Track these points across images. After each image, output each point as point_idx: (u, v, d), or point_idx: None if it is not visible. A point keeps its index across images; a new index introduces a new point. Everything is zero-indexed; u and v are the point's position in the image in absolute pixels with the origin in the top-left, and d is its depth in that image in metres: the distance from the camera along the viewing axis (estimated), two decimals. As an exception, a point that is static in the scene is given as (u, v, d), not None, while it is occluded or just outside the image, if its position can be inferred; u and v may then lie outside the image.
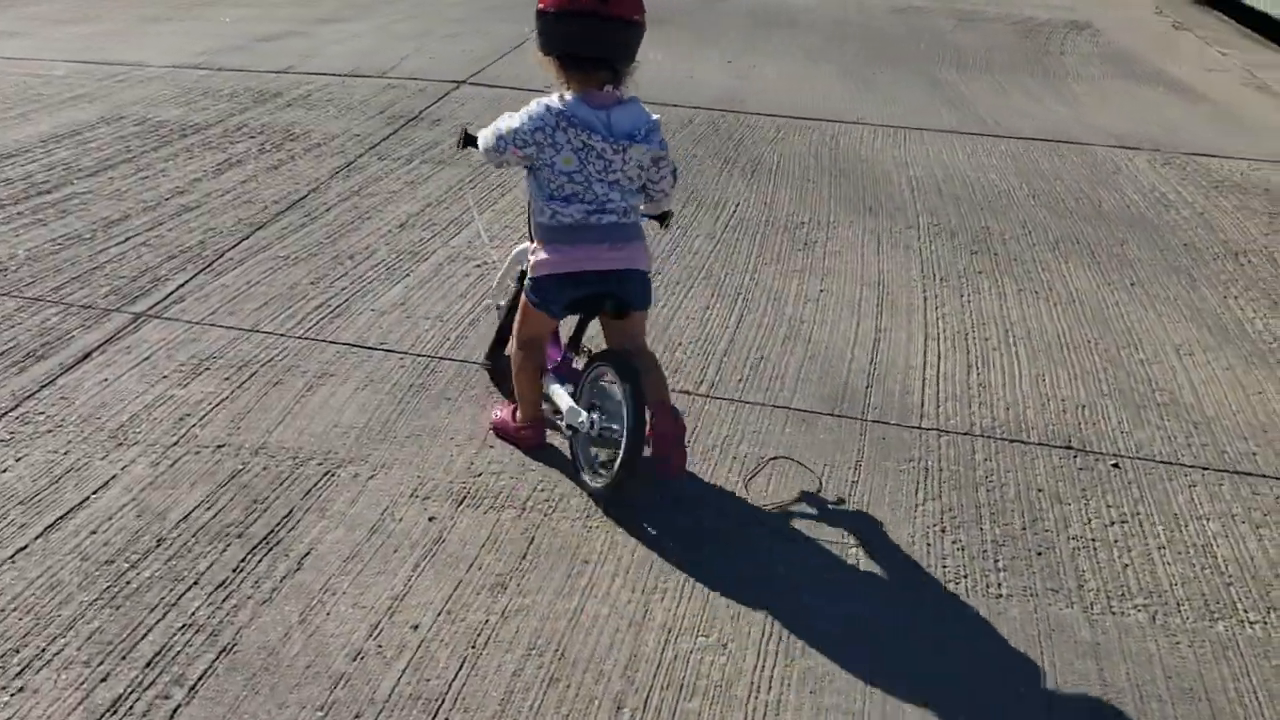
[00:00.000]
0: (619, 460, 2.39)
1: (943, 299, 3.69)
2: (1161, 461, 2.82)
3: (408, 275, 3.63)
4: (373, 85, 5.87)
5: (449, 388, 2.97)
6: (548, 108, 2.38)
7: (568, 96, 2.39)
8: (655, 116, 2.47)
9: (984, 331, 3.47)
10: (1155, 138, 5.62)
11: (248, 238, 3.87)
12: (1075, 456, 2.82)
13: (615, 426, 2.43)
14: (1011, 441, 2.87)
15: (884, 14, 8.64)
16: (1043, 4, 9.38)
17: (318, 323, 3.28)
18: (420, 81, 5.98)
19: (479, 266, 3.73)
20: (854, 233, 4.23)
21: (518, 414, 2.72)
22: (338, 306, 3.39)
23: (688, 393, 3.01)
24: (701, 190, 4.61)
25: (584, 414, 2.51)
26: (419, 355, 3.13)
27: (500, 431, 2.75)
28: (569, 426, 2.55)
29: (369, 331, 3.24)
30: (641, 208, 2.57)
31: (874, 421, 2.93)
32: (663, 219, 2.70)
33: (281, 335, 3.19)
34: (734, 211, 4.39)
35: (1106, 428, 2.97)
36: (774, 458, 2.74)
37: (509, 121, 2.42)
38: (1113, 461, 2.81)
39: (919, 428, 2.91)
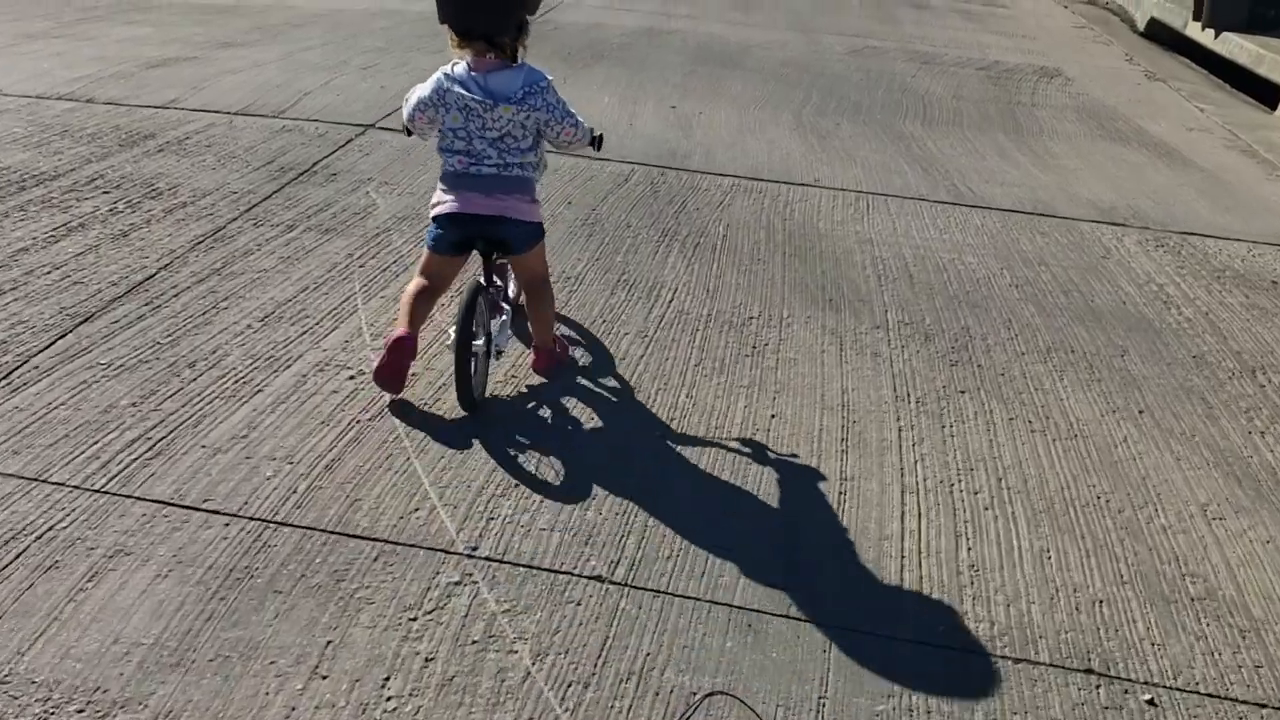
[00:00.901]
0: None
1: (920, 431, 3.04)
2: (1208, 694, 2.18)
3: (260, 391, 2.91)
4: (265, 127, 5.12)
5: (282, 573, 2.25)
6: (442, 73, 2.80)
7: (459, 64, 2.79)
8: (545, 79, 2.82)
9: (972, 481, 2.82)
10: (1144, 212, 5.05)
11: (66, 335, 3.12)
12: (1098, 686, 2.17)
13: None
14: (1017, 662, 2.21)
15: (839, 55, 8.04)
16: (1008, 47, 8.85)
17: (127, 467, 2.54)
18: (321, 124, 5.25)
19: (353, 378, 3.01)
20: (812, 333, 3.57)
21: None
22: (159, 441, 2.65)
23: (599, 579, 2.32)
24: (635, 271, 3.94)
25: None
26: (251, 519, 2.41)
27: (377, 376, 2.84)
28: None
29: (192, 481, 2.51)
30: (564, 149, 2.98)
31: (841, 629, 2.25)
32: (594, 145, 3.02)
33: (74, 488, 2.45)
34: (671, 301, 3.72)
35: (1133, 636, 2.32)
36: (710, 694, 2.05)
37: (419, 91, 2.84)
38: (1147, 697, 2.16)
39: (899, 638, 2.24)
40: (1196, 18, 8.99)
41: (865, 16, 9.79)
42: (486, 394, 2.98)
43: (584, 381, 3.13)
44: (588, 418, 2.95)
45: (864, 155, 5.63)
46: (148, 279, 3.50)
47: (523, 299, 3.12)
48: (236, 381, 2.95)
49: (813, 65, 7.62)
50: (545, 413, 2.96)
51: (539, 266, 3.00)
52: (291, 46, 6.83)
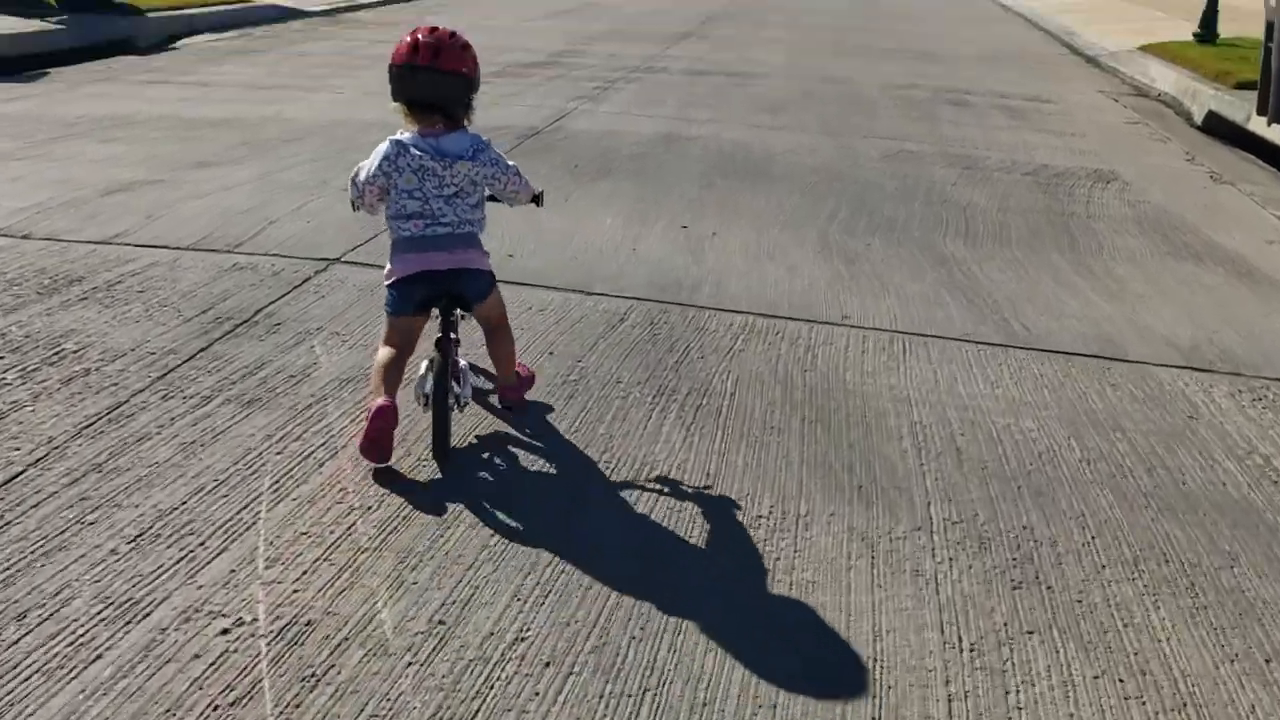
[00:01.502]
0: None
1: (976, 696, 2.27)
2: None
3: (97, 657, 2.21)
4: (214, 265, 4.52)
5: None
6: (391, 141, 3.06)
7: (405, 133, 3.07)
8: (484, 138, 3.13)
9: (1050, 790, 2.05)
10: (1232, 352, 4.28)
11: (-128, 571, 2.45)
12: None
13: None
14: None
15: (874, 161, 7.39)
16: (1056, 147, 8.17)
17: None
18: (278, 259, 4.64)
19: (226, 633, 2.31)
20: (835, 539, 2.83)
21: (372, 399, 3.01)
22: (-68, 753, 1.96)
23: None
24: (618, 445, 3.24)
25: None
26: None
27: (362, 448, 2.94)
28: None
29: (-46, 827, 1.81)
30: (510, 203, 3.32)
31: None
32: (535, 201, 3.36)
33: None
34: (660, 491, 3.00)
35: None
36: None
37: (366, 164, 3.09)
38: None
39: None
40: (1261, 111, 8.27)
41: (900, 116, 9.18)
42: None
43: (529, 629, 2.40)
44: (524, 675, 2.22)
45: (899, 283, 4.93)
46: (8, 482, 2.84)
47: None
48: (70, 644, 2.25)
49: (843, 173, 6.97)
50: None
51: (498, 309, 3.28)
52: (273, 164, 6.29)
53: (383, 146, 3.08)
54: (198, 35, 12.40)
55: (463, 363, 3.21)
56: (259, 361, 3.63)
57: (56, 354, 3.59)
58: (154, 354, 3.63)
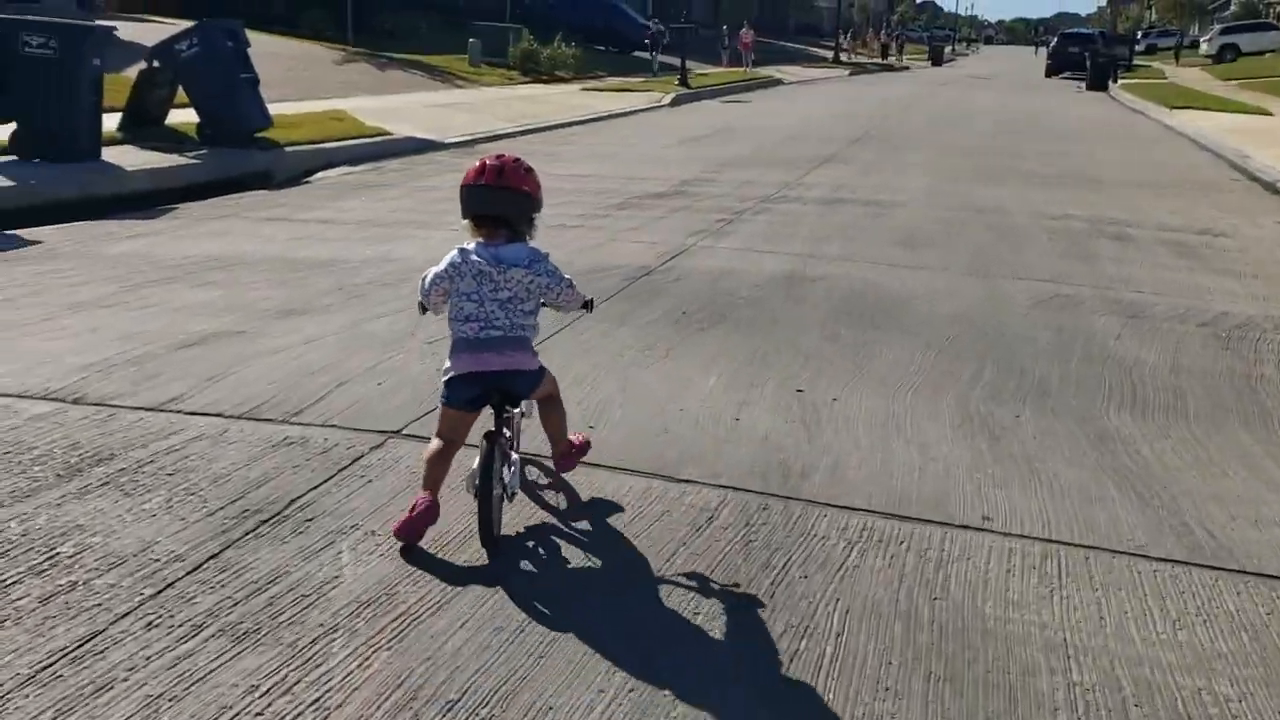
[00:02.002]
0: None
1: None
2: None
3: None
4: (261, 439, 4.05)
5: None
6: (458, 249, 3.37)
7: (471, 243, 3.37)
8: (541, 251, 3.42)
9: None
10: None
11: None
12: None
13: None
14: None
15: (1024, 307, 6.60)
16: (1235, 292, 7.22)
17: None
18: (334, 431, 4.15)
19: None
20: None
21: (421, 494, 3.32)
22: None
23: None
24: (680, 711, 2.54)
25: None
26: None
27: (397, 532, 3.24)
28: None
29: None
30: (562, 310, 3.61)
31: None
32: (586, 307, 3.61)
33: None
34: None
35: None
36: None
37: (434, 270, 3.40)
38: None
39: None
40: None
41: (1056, 253, 8.35)
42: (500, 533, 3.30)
43: None
44: None
45: (1053, 468, 4.13)
46: (-79, 751, 2.32)
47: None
48: None
49: (988, 323, 6.20)
50: None
51: (548, 388, 3.56)
52: (364, 312, 5.91)
53: (450, 254, 3.38)
54: (333, 169, 12.48)
55: (513, 455, 3.46)
56: (273, 573, 3.09)
57: (49, 560, 3.12)
58: (157, 561, 3.12)
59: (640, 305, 6.23)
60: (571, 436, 3.75)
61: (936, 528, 3.60)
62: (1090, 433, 4.54)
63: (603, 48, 37.80)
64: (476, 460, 3.24)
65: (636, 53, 38.32)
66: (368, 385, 4.70)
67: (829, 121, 20.74)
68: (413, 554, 3.24)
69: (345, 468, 3.82)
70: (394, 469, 3.83)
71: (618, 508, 3.65)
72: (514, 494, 3.45)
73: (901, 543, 3.48)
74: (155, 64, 12.07)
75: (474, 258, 3.33)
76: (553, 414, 3.63)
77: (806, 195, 10.91)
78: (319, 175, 12.05)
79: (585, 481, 3.82)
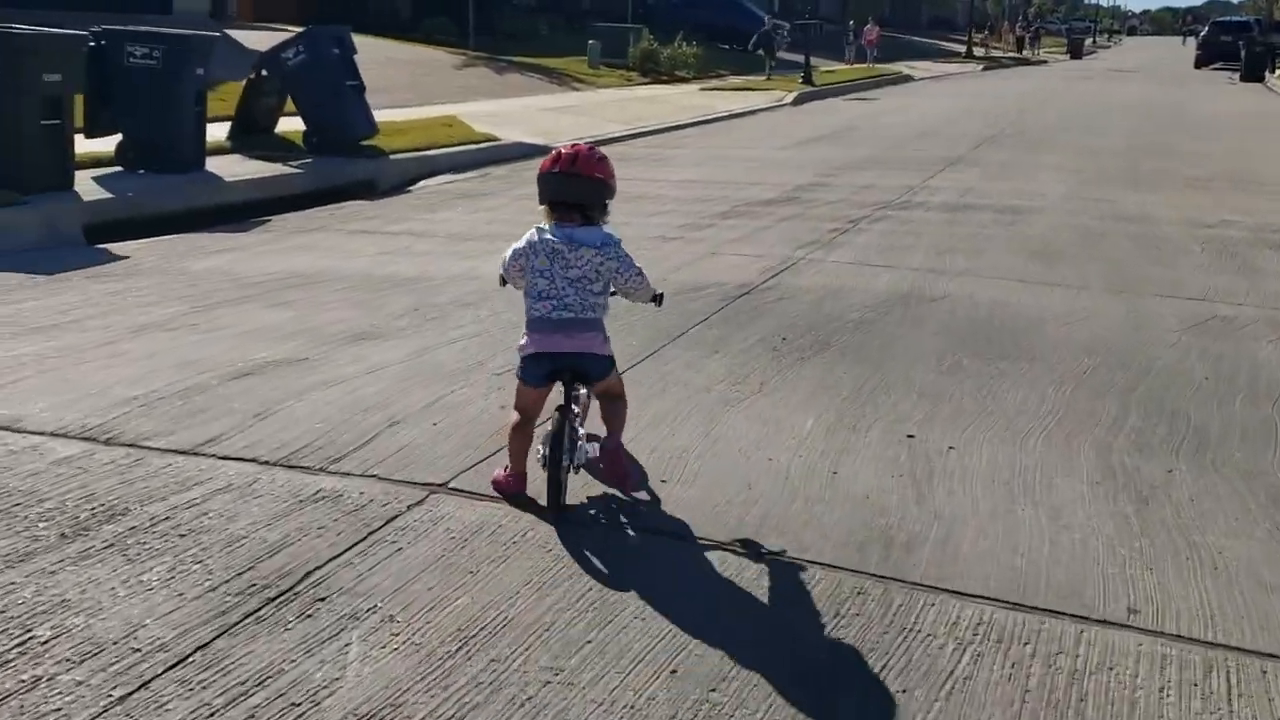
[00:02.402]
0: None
1: None
2: None
3: None
4: (292, 492, 3.62)
5: None
6: (535, 229, 3.54)
7: (548, 224, 3.52)
8: (615, 236, 3.57)
9: None
10: None
11: None
12: None
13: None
14: None
15: (1175, 332, 5.80)
16: None
17: None
18: (373, 483, 3.70)
19: None
20: None
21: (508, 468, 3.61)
22: None
23: None
24: None
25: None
26: None
27: (495, 486, 3.61)
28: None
29: None
30: (631, 299, 3.71)
31: None
32: (655, 301, 3.73)
33: None
34: None
35: None
36: None
37: (514, 246, 3.59)
38: None
39: None
40: None
41: (1210, 267, 7.47)
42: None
43: None
44: None
45: (1216, 542, 3.42)
46: None
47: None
48: None
49: (1132, 352, 5.44)
50: None
51: (614, 386, 3.71)
52: (435, 338, 5.48)
53: (529, 232, 3.56)
54: (437, 177, 12.21)
55: (581, 431, 3.58)
56: (264, 671, 2.63)
57: (19, 647, 2.72)
58: (138, 652, 2.70)
59: (735, 330, 5.65)
60: (622, 448, 3.77)
61: (1070, 622, 2.95)
62: (1261, 494, 3.80)
63: (727, 46, 37.13)
64: (547, 433, 3.45)
65: (761, 50, 37.62)
66: (421, 426, 4.24)
67: (959, 119, 19.74)
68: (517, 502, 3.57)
69: (376, 530, 3.36)
70: (430, 534, 3.35)
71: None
72: (579, 467, 3.58)
73: (1025, 643, 2.85)
74: (263, 73, 11.97)
75: (548, 236, 3.50)
76: (615, 409, 3.74)
77: (930, 201, 10.15)
78: (422, 183, 11.78)
79: (643, 551, 3.28)
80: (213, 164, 10.66)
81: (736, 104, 22.34)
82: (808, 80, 27.31)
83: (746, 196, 10.36)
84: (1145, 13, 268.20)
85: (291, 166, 11.10)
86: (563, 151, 3.55)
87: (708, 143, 15.81)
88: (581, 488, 3.68)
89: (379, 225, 8.94)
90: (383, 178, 11.70)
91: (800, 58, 29.08)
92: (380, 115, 15.69)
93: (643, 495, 3.70)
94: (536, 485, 3.58)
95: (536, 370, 3.54)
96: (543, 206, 3.57)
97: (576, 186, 3.51)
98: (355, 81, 12.11)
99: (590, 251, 3.49)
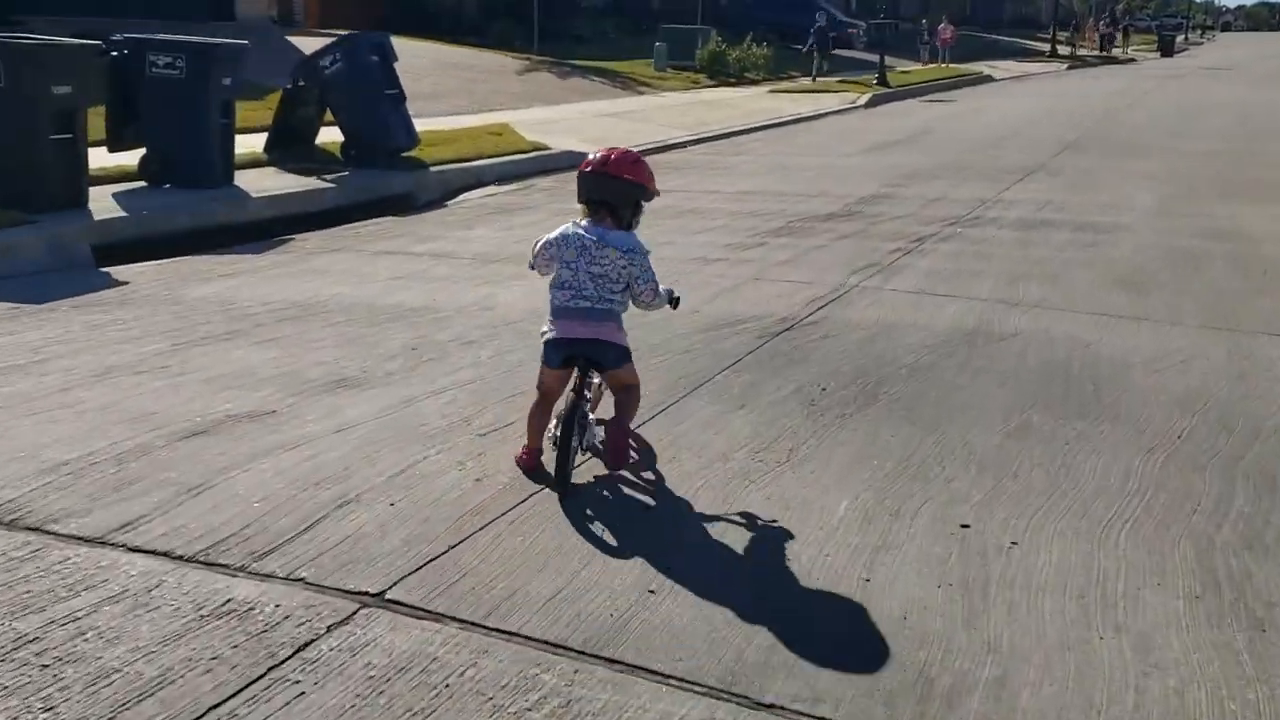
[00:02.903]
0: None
1: None
2: None
3: None
4: (196, 602, 2.99)
5: None
6: (571, 223, 3.77)
7: (584, 221, 3.77)
8: (643, 246, 3.76)
9: None
10: None
11: None
12: None
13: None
14: None
15: (1290, 382, 4.93)
16: None
17: None
18: (295, 591, 3.05)
19: None
20: None
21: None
22: None
23: None
24: None
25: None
26: None
27: (516, 461, 3.85)
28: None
29: None
30: (639, 305, 3.82)
31: None
32: (672, 304, 3.90)
33: None
34: None
35: None
36: None
37: (547, 236, 3.79)
38: None
39: None
40: None
41: (1328, 294, 6.54)
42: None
43: None
44: None
45: (1360, 698, 2.61)
46: None
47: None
48: None
49: (1237, 408, 4.60)
50: None
51: (629, 379, 3.87)
52: (424, 385, 4.84)
53: (562, 227, 3.76)
54: (479, 190, 11.63)
55: (591, 416, 3.85)
56: None
57: None
58: None
59: (769, 376, 4.93)
60: (632, 443, 3.96)
61: (1165, 829, 2.18)
62: None
63: (800, 47, 36.17)
64: (558, 413, 3.71)
65: (836, 50, 36.61)
66: (376, 507, 3.59)
67: (1040, 122, 18.67)
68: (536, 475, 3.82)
69: (280, 664, 2.70)
70: (344, 670, 2.68)
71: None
72: (588, 448, 3.85)
73: None
74: (300, 82, 11.49)
75: (580, 231, 3.72)
76: (626, 401, 3.87)
77: (1005, 216, 9.28)
78: (463, 197, 11.21)
79: (616, 704, 2.58)
80: (245, 178, 10.20)
81: (806, 107, 21.50)
82: (882, 81, 26.34)
83: (804, 210, 9.59)
84: (1240, 8, 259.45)
85: (325, 180, 10.59)
86: (599, 154, 3.77)
87: (771, 149, 15.03)
88: (588, 467, 3.87)
89: (404, 244, 8.34)
90: (421, 191, 11.15)
91: (875, 58, 28.11)
92: (429, 124, 15.23)
93: (649, 475, 3.87)
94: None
95: (555, 354, 3.76)
96: (580, 204, 3.81)
97: (607, 187, 3.72)
98: (395, 90, 11.58)
99: (616, 254, 3.69)
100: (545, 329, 3.81)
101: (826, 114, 20.82)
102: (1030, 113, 21.02)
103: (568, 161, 13.48)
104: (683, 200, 10.13)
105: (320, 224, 9.47)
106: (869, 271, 7.11)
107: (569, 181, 12.31)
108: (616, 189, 3.72)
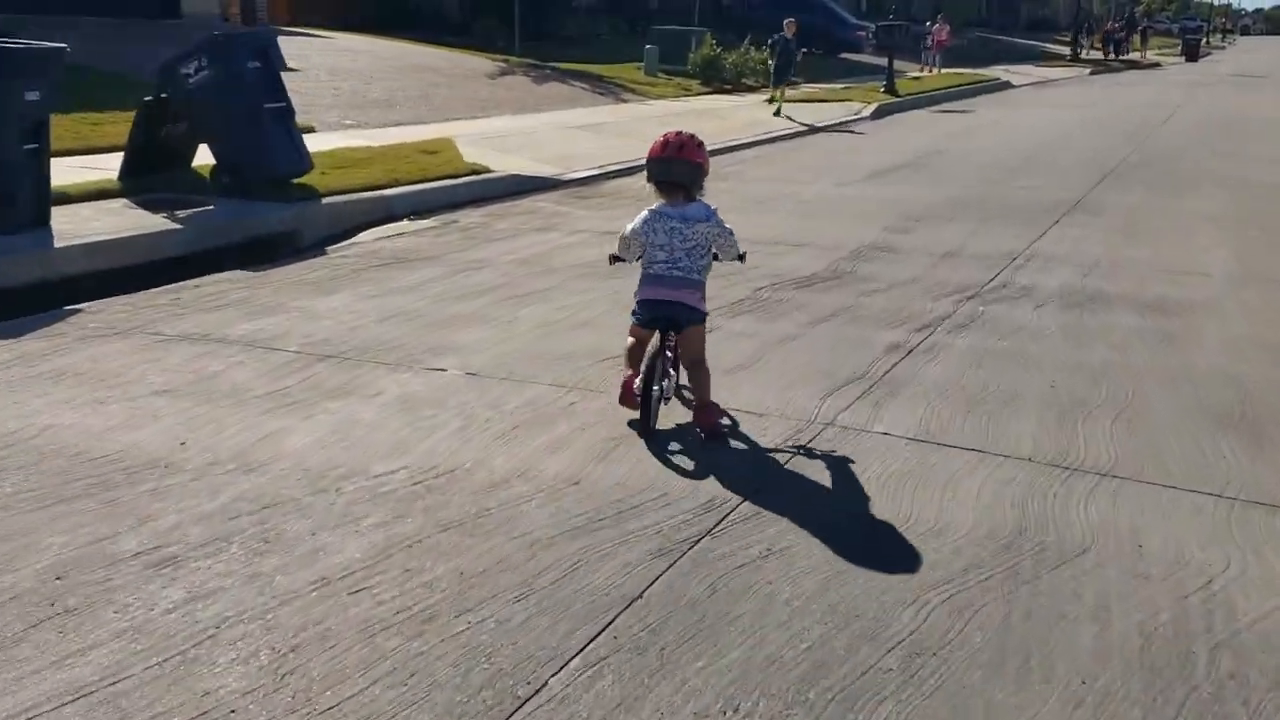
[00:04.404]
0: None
1: None
2: None
3: None
4: None
5: None
6: (650, 210, 4.40)
7: (658, 204, 4.40)
8: (713, 207, 4.43)
9: None
10: None
11: None
12: None
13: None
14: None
15: None
16: None
17: None
18: None
19: None
20: None
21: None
22: None
23: None
24: None
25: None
26: None
27: (623, 389, 4.42)
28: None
29: None
30: (720, 258, 4.49)
31: None
32: (740, 259, 4.53)
33: None
34: None
35: None
36: None
37: (630, 225, 4.43)
38: None
39: None
40: None
41: None
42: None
43: None
44: None
45: None
46: None
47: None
48: None
49: None
50: None
51: (699, 347, 4.41)
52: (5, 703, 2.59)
53: (643, 214, 4.43)
54: (387, 226, 9.40)
55: (671, 370, 4.45)
56: None
57: None
58: None
59: (633, 688, 2.67)
60: (712, 403, 4.44)
61: None
62: None
63: (805, 50, 33.85)
64: (642, 367, 4.29)
65: (844, 55, 34.27)
66: None
67: (1070, 139, 16.38)
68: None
69: None
70: None
71: None
72: (669, 399, 4.48)
73: None
74: (163, 94, 9.27)
75: (666, 215, 4.35)
76: (699, 376, 4.39)
77: (1041, 285, 7.02)
78: (359, 237, 8.96)
79: None
80: (76, 216, 8.01)
81: (805, 117, 19.21)
82: (890, 89, 24.03)
83: (781, 269, 7.34)
84: (1258, 11, 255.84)
85: (175, 220, 8.34)
86: (669, 139, 4.34)
87: (758, 173, 12.75)
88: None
89: (220, 323, 6.08)
90: (307, 229, 8.92)
91: (884, 62, 25.80)
92: (355, 138, 13.02)
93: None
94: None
95: (644, 313, 4.40)
96: (649, 185, 4.46)
97: (681, 169, 4.35)
98: (280, 103, 9.35)
99: (703, 225, 4.34)
100: (639, 291, 4.44)
101: (829, 127, 18.54)
102: (1056, 127, 18.70)
103: (508, 187, 11.24)
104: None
105: (149, 279, 7.22)
106: (852, 389, 4.87)
107: (504, 215, 10.08)
108: (690, 172, 4.35)
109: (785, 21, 20.59)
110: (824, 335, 5.79)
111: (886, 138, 16.95)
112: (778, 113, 19.23)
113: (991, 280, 7.13)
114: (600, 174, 12.63)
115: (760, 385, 4.96)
